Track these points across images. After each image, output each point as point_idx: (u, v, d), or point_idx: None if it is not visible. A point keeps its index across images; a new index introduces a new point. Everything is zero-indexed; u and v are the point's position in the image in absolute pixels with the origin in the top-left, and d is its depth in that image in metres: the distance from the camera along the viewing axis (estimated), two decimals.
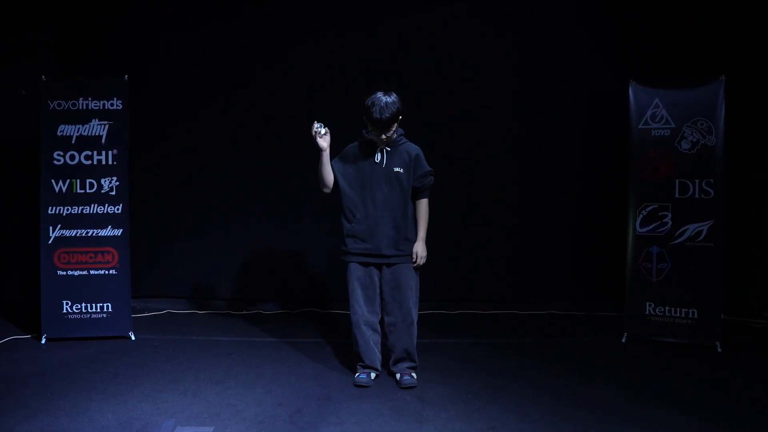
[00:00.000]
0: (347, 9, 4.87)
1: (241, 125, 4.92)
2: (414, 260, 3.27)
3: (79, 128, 4.03)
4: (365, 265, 3.29)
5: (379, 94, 3.15)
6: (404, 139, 3.33)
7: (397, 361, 3.35)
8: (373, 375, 3.34)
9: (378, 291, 3.32)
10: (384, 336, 3.38)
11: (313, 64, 4.90)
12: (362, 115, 3.20)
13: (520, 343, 4.11)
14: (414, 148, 3.32)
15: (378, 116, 3.10)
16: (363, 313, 3.31)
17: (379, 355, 3.37)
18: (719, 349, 3.87)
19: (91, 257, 4.05)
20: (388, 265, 3.29)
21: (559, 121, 4.94)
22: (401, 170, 3.26)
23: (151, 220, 4.88)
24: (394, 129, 3.21)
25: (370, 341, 3.32)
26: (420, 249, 3.28)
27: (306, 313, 4.91)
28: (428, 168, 3.32)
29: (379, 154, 3.27)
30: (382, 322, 3.37)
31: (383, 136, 3.19)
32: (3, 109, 4.83)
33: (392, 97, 3.15)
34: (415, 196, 3.32)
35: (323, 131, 3.22)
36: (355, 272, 3.30)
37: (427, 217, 3.33)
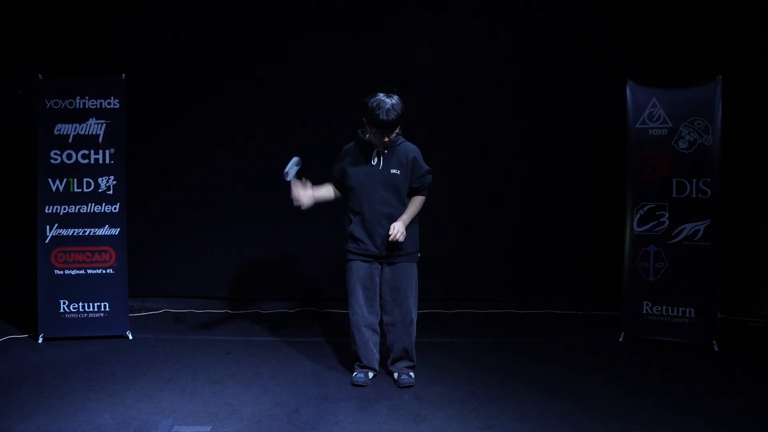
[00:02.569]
0: (346, 9, 4.87)
1: (239, 124, 4.92)
2: (390, 233, 3.14)
3: (76, 127, 4.02)
4: (367, 263, 3.28)
5: (382, 96, 3.13)
6: (402, 139, 3.32)
7: (395, 360, 3.35)
8: (370, 375, 3.34)
9: (378, 291, 3.32)
10: (383, 335, 3.38)
11: (313, 64, 4.89)
12: (362, 116, 3.20)
13: (518, 342, 4.12)
14: (412, 149, 3.31)
15: (384, 118, 3.08)
16: (363, 313, 3.30)
17: (377, 355, 3.37)
18: (716, 348, 3.88)
19: (88, 256, 4.04)
20: (389, 264, 3.29)
21: (556, 121, 4.95)
22: (398, 172, 3.25)
23: (148, 219, 4.87)
24: (396, 131, 3.20)
25: (369, 342, 3.32)
26: (398, 226, 3.16)
27: (304, 312, 4.91)
28: (426, 167, 3.32)
29: (376, 156, 3.26)
30: (380, 321, 3.36)
31: (386, 138, 3.18)
32: (0, 107, 4.82)
33: (395, 99, 3.14)
34: (413, 194, 3.32)
35: (292, 176, 3.21)
36: (357, 272, 3.29)
37: (417, 210, 3.29)
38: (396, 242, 3.20)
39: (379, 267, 3.30)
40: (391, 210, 3.24)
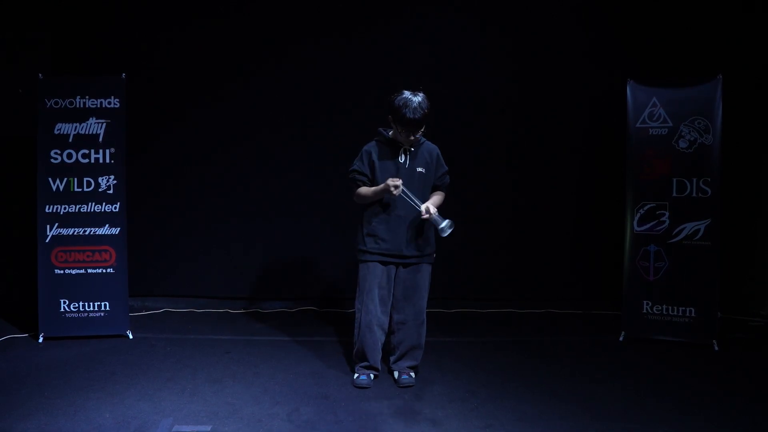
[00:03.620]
0: (346, 9, 4.86)
1: (239, 124, 4.91)
2: (425, 211, 3.09)
3: (76, 126, 4.01)
4: (385, 264, 3.26)
5: (408, 94, 3.11)
6: (423, 138, 3.32)
7: (399, 359, 3.35)
8: (372, 375, 3.33)
9: (392, 291, 3.31)
10: (389, 333, 3.37)
11: (313, 63, 4.88)
12: (386, 115, 3.18)
13: (518, 341, 4.12)
14: (434, 148, 3.33)
15: (412, 116, 3.07)
16: (377, 314, 3.27)
17: (381, 354, 3.36)
18: (716, 348, 3.88)
19: (88, 256, 4.04)
20: (405, 265, 3.28)
21: (557, 120, 4.95)
22: (423, 170, 3.25)
23: (148, 218, 4.87)
24: (423, 129, 3.19)
25: (378, 342, 3.31)
26: (430, 206, 3.11)
27: (304, 311, 4.91)
28: (446, 167, 3.35)
29: (403, 154, 3.24)
30: (389, 320, 3.35)
31: (412, 137, 3.17)
32: (0, 107, 4.82)
33: (421, 96, 3.13)
34: (433, 191, 3.33)
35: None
36: (374, 271, 3.25)
37: (440, 202, 3.28)
38: (421, 236, 3.24)
39: (395, 268, 3.29)
40: (415, 210, 3.23)
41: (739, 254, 4.72)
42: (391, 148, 3.25)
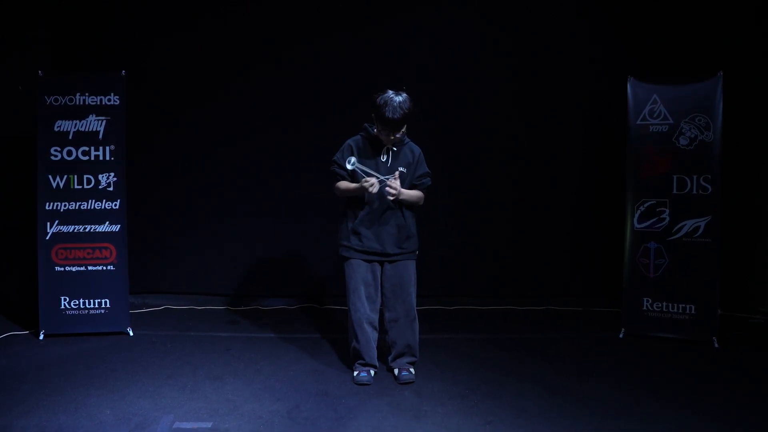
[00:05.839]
0: (346, 9, 4.86)
1: (239, 122, 4.91)
2: (392, 189, 3.09)
3: (76, 124, 4.01)
4: (369, 262, 3.28)
5: (390, 93, 3.12)
6: (407, 139, 3.32)
7: (397, 356, 3.35)
8: (372, 372, 3.33)
9: (379, 288, 3.32)
10: (383, 332, 3.38)
11: (313, 63, 4.87)
12: (367, 113, 3.19)
13: (518, 338, 4.12)
14: (417, 148, 3.34)
15: (390, 116, 3.07)
16: (365, 311, 3.29)
17: (376, 351, 3.37)
18: (716, 345, 3.89)
19: (88, 253, 4.05)
20: (391, 262, 3.29)
21: (557, 117, 4.94)
22: (405, 170, 3.26)
23: (148, 215, 4.88)
24: (404, 129, 3.19)
25: (371, 339, 3.32)
26: (401, 190, 3.13)
27: (304, 309, 4.91)
28: (427, 170, 3.33)
29: (386, 153, 3.25)
30: (381, 318, 3.36)
31: (392, 136, 3.17)
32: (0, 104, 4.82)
33: (403, 96, 3.13)
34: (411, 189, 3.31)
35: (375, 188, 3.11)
36: (359, 269, 3.27)
37: (415, 199, 3.26)
38: (404, 233, 3.24)
39: (380, 265, 3.30)
40: (396, 208, 3.25)
41: (739, 251, 4.72)
42: (374, 145, 3.26)
